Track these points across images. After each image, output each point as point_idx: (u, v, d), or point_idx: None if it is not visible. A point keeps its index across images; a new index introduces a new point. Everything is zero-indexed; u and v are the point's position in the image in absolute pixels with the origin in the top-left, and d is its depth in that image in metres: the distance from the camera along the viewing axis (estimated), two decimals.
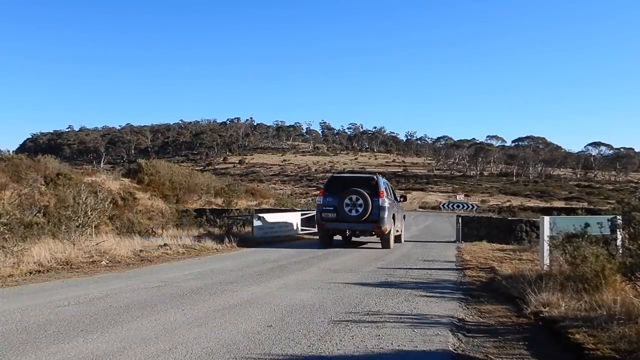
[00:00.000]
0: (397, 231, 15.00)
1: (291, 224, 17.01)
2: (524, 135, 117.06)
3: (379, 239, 13.86)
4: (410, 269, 9.77)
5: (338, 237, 14.65)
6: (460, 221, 17.36)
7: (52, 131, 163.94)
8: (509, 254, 12.18)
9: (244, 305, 5.84)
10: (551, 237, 7.93)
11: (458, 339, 4.62)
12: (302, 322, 5.03)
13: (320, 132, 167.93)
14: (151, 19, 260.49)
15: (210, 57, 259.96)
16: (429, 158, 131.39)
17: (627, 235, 6.89)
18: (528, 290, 5.90)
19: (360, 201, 13.01)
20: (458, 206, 45.91)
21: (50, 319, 5.04)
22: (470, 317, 5.62)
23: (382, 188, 13.50)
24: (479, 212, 40.04)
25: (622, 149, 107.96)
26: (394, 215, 13.98)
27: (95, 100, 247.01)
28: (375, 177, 13.91)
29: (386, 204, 13.33)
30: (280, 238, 15.91)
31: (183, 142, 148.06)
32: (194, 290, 6.79)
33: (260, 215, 16.32)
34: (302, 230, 17.41)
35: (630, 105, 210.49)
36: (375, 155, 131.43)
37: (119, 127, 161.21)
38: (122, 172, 35.38)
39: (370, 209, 12.96)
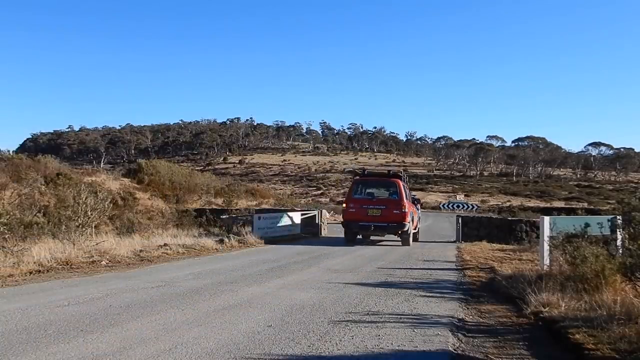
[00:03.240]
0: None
1: (291, 224, 17.01)
2: (524, 136, 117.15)
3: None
4: (410, 269, 9.77)
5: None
6: (460, 221, 17.37)
7: (52, 131, 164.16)
8: (509, 254, 12.18)
9: (244, 305, 5.85)
10: (551, 237, 7.93)
11: (458, 339, 4.62)
12: (302, 322, 5.04)
13: (320, 132, 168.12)
14: (151, 19, 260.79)
15: (210, 57, 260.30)
16: (429, 158, 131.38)
17: (627, 236, 6.89)
18: (528, 290, 5.89)
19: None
20: (458, 206, 45.84)
21: (50, 319, 5.04)
22: (470, 317, 5.62)
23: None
24: (479, 212, 40.01)
25: (622, 149, 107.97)
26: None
27: (96, 100, 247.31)
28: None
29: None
30: (280, 238, 15.92)
31: (183, 142, 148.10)
32: (194, 290, 6.79)
33: (260, 215, 16.33)
34: (302, 230, 17.42)
35: (630, 106, 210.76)
36: (375, 156, 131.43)
37: (119, 127, 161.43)
38: (122, 172, 35.41)
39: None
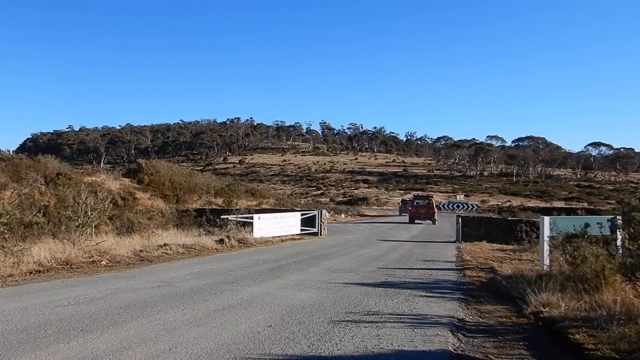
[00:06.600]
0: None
1: (291, 224, 17.00)
2: (524, 135, 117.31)
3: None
4: (410, 269, 9.77)
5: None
6: (460, 221, 17.38)
7: (52, 131, 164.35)
8: (509, 254, 12.18)
9: (244, 305, 5.84)
10: (551, 237, 7.92)
11: (458, 339, 4.62)
12: (302, 322, 5.04)
13: (320, 132, 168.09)
14: (152, 20, 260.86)
15: (210, 58, 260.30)
16: (429, 158, 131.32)
17: (627, 236, 6.87)
18: (528, 290, 5.89)
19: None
20: (458, 206, 45.87)
21: (50, 319, 5.04)
22: (470, 317, 5.62)
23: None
24: (479, 212, 40.04)
25: (622, 149, 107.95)
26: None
27: (96, 100, 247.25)
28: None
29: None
30: (280, 238, 15.92)
31: (183, 142, 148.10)
32: (194, 290, 6.79)
33: (260, 215, 16.33)
34: (302, 230, 17.41)
35: (630, 105, 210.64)
36: (375, 156, 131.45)
37: (119, 127, 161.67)
38: (122, 172, 35.32)
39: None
